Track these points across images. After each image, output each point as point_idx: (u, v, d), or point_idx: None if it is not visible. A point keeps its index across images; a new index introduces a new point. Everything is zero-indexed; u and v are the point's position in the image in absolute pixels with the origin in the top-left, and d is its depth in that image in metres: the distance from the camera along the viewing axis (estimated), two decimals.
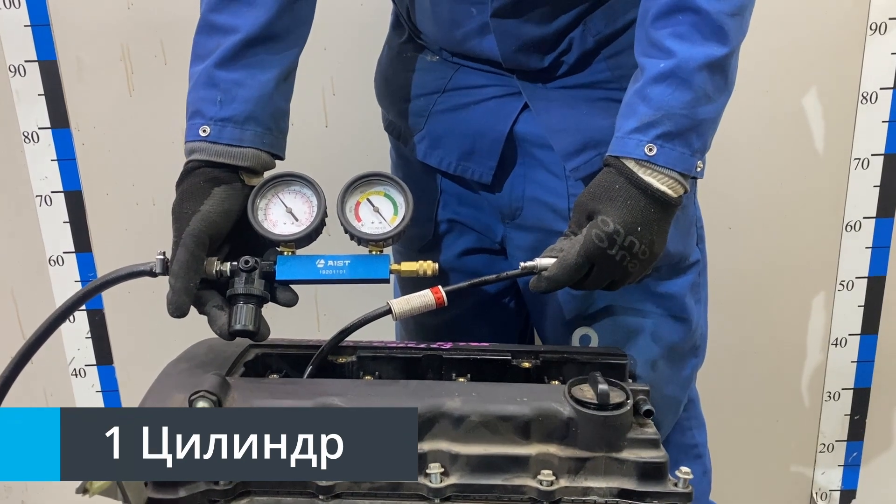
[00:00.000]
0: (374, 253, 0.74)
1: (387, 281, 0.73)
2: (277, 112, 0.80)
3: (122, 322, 1.50)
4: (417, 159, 0.96)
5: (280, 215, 0.75)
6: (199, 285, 0.71)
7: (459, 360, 0.81)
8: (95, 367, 1.51)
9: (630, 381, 0.82)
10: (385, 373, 0.81)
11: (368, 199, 0.76)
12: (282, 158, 0.81)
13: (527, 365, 0.81)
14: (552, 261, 0.75)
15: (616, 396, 0.69)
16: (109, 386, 1.53)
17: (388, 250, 0.78)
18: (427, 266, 0.76)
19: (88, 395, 1.55)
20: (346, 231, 0.74)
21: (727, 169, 1.44)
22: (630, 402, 0.69)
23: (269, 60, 0.78)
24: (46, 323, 0.75)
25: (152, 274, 0.73)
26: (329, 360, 0.82)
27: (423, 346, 0.85)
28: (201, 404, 0.68)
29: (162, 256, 0.73)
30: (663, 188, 0.75)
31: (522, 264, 0.76)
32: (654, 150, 0.74)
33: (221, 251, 0.75)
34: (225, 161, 0.76)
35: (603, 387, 0.68)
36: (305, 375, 0.78)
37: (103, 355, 1.51)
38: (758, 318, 1.55)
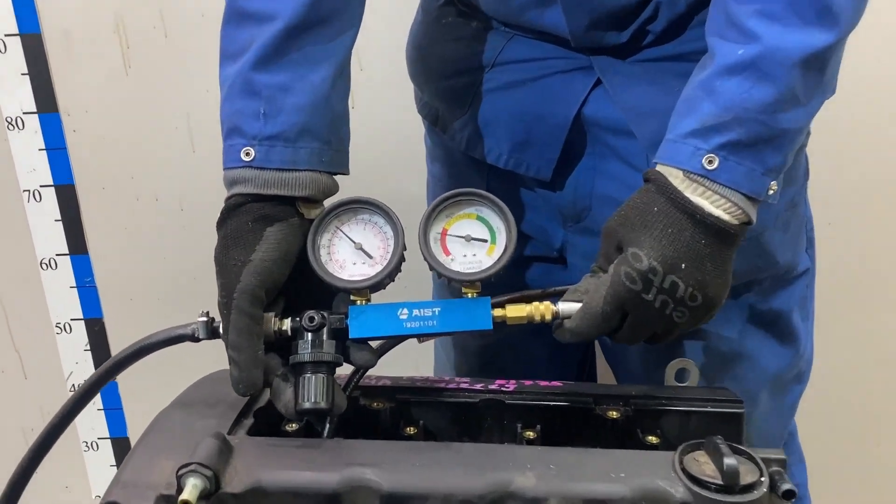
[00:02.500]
0: (469, 295, 0.62)
1: (491, 332, 0.62)
2: (336, 118, 0.68)
3: (124, 332, 1.41)
4: (459, 150, 0.84)
5: (348, 254, 0.64)
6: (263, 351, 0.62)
7: (527, 407, 0.68)
8: None
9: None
10: (431, 422, 0.69)
11: (457, 226, 0.63)
12: (346, 173, 0.69)
13: (614, 415, 0.66)
14: (576, 307, 0.63)
15: (747, 473, 0.52)
16: (113, 403, 1.46)
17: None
18: (545, 309, 0.63)
19: (90, 413, 1.45)
20: (432, 268, 0.62)
21: (826, 154, 1.25)
22: (765, 480, 0.53)
23: (320, 53, 0.66)
24: (65, 409, 0.67)
25: (194, 339, 0.64)
26: (361, 404, 0.69)
27: (479, 386, 0.70)
28: (192, 482, 0.53)
29: (206, 318, 0.63)
30: (718, 213, 0.61)
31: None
32: (716, 163, 0.60)
33: (277, 303, 0.65)
34: (277, 192, 0.64)
35: (730, 460, 0.52)
36: (325, 433, 0.64)
37: None
38: (863, 329, 1.38)
